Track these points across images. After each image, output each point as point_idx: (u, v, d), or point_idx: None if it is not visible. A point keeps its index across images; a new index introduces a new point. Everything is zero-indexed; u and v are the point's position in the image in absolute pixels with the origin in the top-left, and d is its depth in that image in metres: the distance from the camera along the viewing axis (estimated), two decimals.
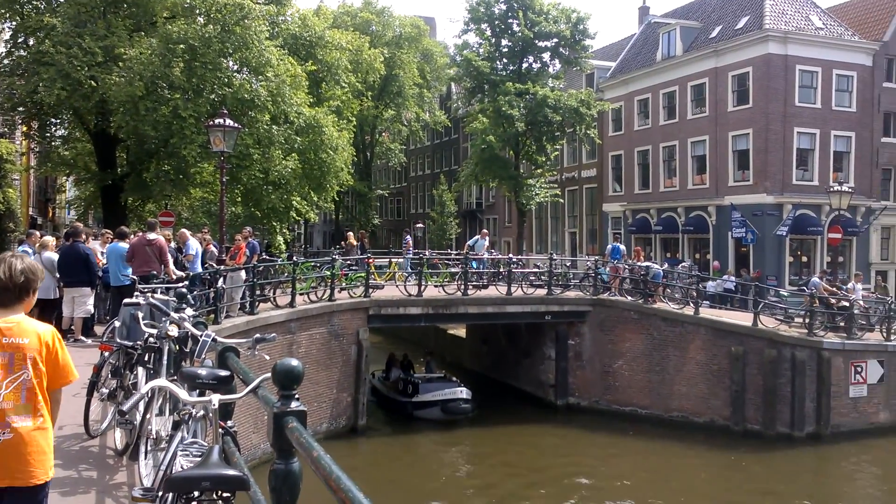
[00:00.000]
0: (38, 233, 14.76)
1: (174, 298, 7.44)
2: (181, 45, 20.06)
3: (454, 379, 21.32)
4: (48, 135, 26.33)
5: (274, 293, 17.37)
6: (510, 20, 32.94)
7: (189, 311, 6.64)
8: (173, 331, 6.00)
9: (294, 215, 26.81)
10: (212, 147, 16.15)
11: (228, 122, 15.64)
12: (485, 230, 28.05)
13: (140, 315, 6.65)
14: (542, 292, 21.68)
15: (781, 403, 18.89)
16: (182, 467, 3.50)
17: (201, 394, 4.07)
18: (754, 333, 19.49)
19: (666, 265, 26.97)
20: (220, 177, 16.93)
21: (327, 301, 18.26)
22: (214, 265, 15.49)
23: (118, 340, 7.17)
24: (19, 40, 23.21)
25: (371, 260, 21.05)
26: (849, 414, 19.42)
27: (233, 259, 16.46)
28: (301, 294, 17.80)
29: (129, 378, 6.87)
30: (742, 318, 20.54)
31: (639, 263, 23.18)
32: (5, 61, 23.41)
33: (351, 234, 26.11)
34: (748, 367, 19.29)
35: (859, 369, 19.57)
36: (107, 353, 7.16)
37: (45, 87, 19.52)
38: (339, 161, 26.53)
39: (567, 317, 21.85)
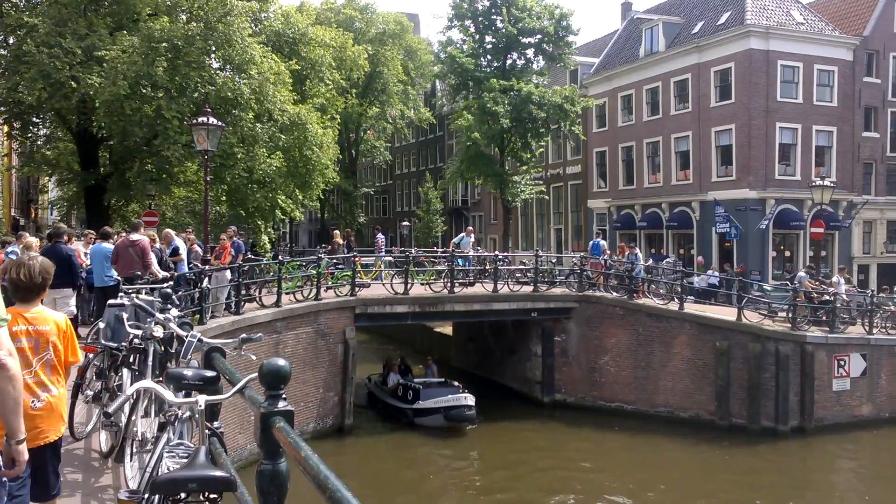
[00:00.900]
0: (26, 234, 14.62)
1: (159, 299, 7.39)
2: (164, 44, 19.89)
3: (456, 384, 20.21)
4: (30, 135, 26.06)
5: (260, 293, 17.31)
6: (494, 17, 32.96)
7: (174, 312, 6.60)
8: (158, 332, 5.96)
9: (279, 214, 26.71)
10: (196, 146, 16.05)
11: (212, 120, 15.55)
12: (470, 227, 28.01)
13: (125, 316, 6.60)
14: (528, 289, 21.73)
15: (766, 398, 19.05)
16: (168, 469, 3.48)
17: (187, 395, 4.05)
18: (739, 328, 19.63)
19: (651, 261, 27.11)
20: (204, 176, 16.83)
21: (313, 300, 18.21)
22: (199, 265, 15.40)
23: (103, 342, 7.11)
24: None
25: (357, 258, 20.97)
26: (832, 407, 19.62)
27: (218, 259, 16.36)
28: (287, 293, 17.74)
29: (114, 380, 6.82)
30: (726, 313, 20.69)
31: (623, 259, 23.28)
32: None
33: (337, 232, 26.02)
34: (733, 362, 19.43)
35: (842, 363, 19.78)
36: (91, 355, 7.10)
37: (26, 87, 19.31)
38: (325, 158, 26.44)
39: (553, 313, 21.91)
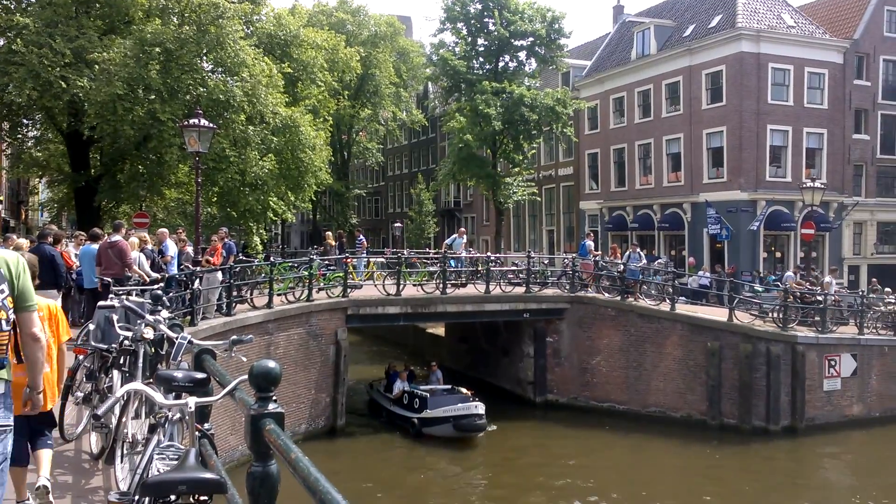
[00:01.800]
0: (14, 236, 14.56)
1: (149, 301, 7.36)
2: (157, 48, 19.83)
3: (464, 391, 19.34)
4: (20, 136, 25.93)
5: (251, 294, 17.26)
6: (486, 19, 33.00)
7: (164, 314, 6.57)
8: (148, 333, 5.94)
9: (271, 216, 26.66)
10: (187, 147, 16.02)
11: (203, 122, 15.52)
12: (462, 228, 28.08)
13: (115, 318, 6.58)
14: (520, 290, 21.75)
15: (757, 397, 19.12)
16: (158, 471, 3.47)
17: (177, 397, 4.04)
18: (730, 329, 19.71)
19: (644, 261, 27.16)
20: (195, 177, 16.78)
21: (305, 301, 18.18)
22: (190, 266, 15.36)
23: (93, 343, 7.08)
24: None
25: (349, 259, 20.95)
26: (823, 407, 19.71)
27: (209, 260, 16.32)
28: (278, 295, 17.71)
29: (104, 381, 6.78)
30: (718, 314, 20.76)
31: (616, 260, 23.33)
32: None
33: (329, 233, 26.02)
34: (724, 362, 19.50)
35: (833, 363, 19.87)
36: (81, 357, 7.07)
37: (16, 87, 19.23)
38: (318, 160, 26.42)
39: (545, 314, 21.94)
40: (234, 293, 16.17)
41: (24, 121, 24.80)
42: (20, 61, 19.11)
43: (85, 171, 23.65)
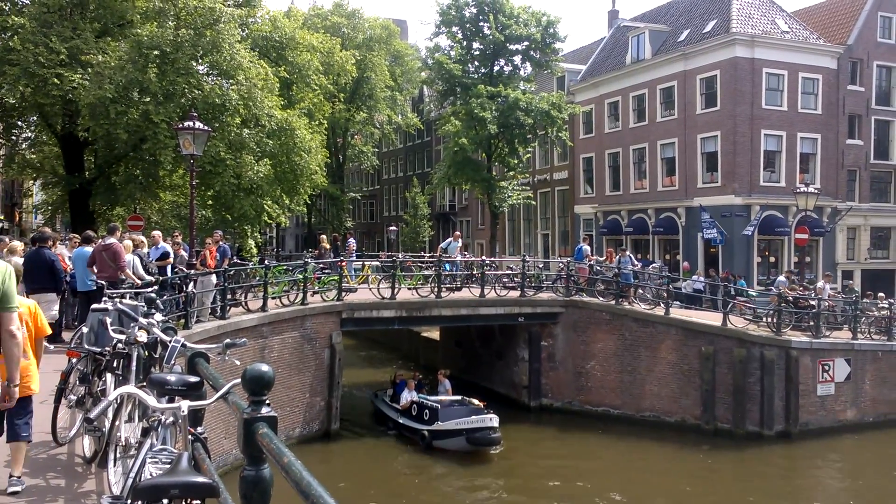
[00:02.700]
0: (6, 238, 14.50)
1: (143, 304, 7.34)
2: (155, 51, 19.81)
3: (477, 402, 18.60)
4: (14, 137, 25.85)
5: (245, 297, 17.24)
6: (481, 23, 33.06)
7: (158, 317, 6.56)
8: (142, 336, 5.92)
9: (266, 219, 26.63)
10: (181, 150, 16.01)
11: (198, 124, 15.50)
12: (457, 232, 28.06)
13: (108, 321, 6.56)
14: (515, 294, 21.77)
15: (751, 402, 19.16)
16: (151, 475, 3.46)
17: (171, 400, 4.03)
18: (724, 333, 19.75)
19: (639, 266, 27.21)
20: (189, 180, 16.76)
21: (300, 305, 18.16)
22: (185, 269, 15.32)
23: (86, 346, 7.05)
24: None
25: (344, 263, 20.93)
26: (817, 412, 19.76)
27: (203, 263, 16.30)
28: (273, 298, 17.68)
29: (97, 385, 6.77)
30: (712, 318, 20.82)
31: (611, 264, 23.37)
32: None
33: (324, 237, 25.98)
34: (718, 367, 19.53)
35: (827, 368, 19.93)
36: (75, 360, 7.05)
37: (9, 86, 19.19)
38: (313, 163, 26.41)
39: (540, 318, 21.96)
40: (229, 296, 16.15)
41: (19, 122, 24.72)
42: (16, 60, 19.07)
43: (79, 173, 23.58)
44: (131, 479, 3.59)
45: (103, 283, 10.69)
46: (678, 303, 22.50)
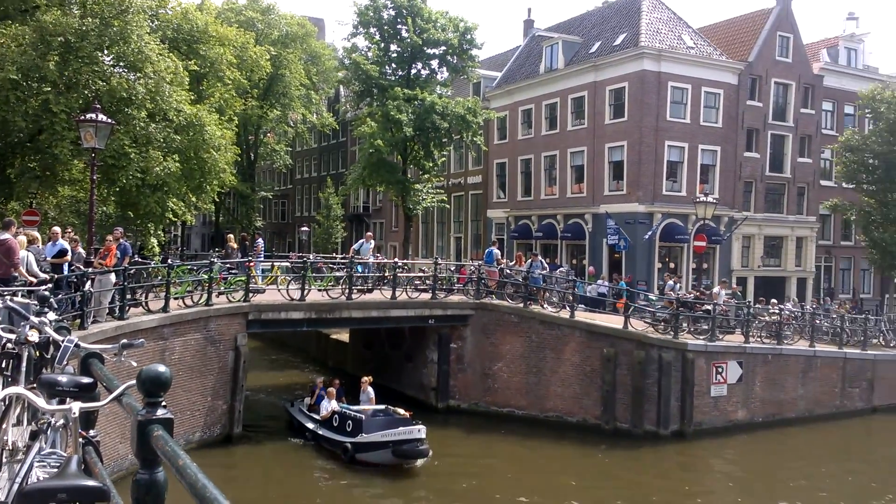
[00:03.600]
0: None
1: (35, 302, 7.03)
2: (58, 38, 18.87)
3: (402, 412, 17.79)
4: None
5: (146, 297, 16.67)
6: (399, 26, 33.10)
7: (51, 316, 6.30)
8: (33, 336, 5.67)
9: (170, 217, 25.78)
10: (82, 143, 15.35)
11: (101, 117, 14.91)
12: (370, 233, 27.99)
13: None
14: (426, 296, 21.91)
15: (649, 402, 19.94)
16: (38, 479, 3.35)
17: (61, 402, 3.90)
18: (625, 336, 20.48)
19: (546, 269, 27.85)
20: (90, 175, 16.08)
21: (204, 306, 17.71)
22: (82, 267, 14.70)
23: None
24: None
25: (252, 263, 20.52)
26: (710, 412, 20.73)
27: (102, 261, 15.66)
28: (176, 298, 17.18)
29: None
30: (614, 321, 21.54)
31: (520, 268, 23.84)
32: None
33: (231, 236, 25.40)
34: (619, 368, 20.24)
35: (720, 370, 20.94)
36: None
37: None
38: (222, 161, 25.72)
39: (450, 320, 22.18)
40: (129, 296, 15.59)
41: None
42: None
43: None
44: (17, 483, 3.46)
45: (4, 279, 10.16)
46: (583, 306, 23.21)
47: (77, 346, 4.88)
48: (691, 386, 20.17)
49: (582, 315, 22.01)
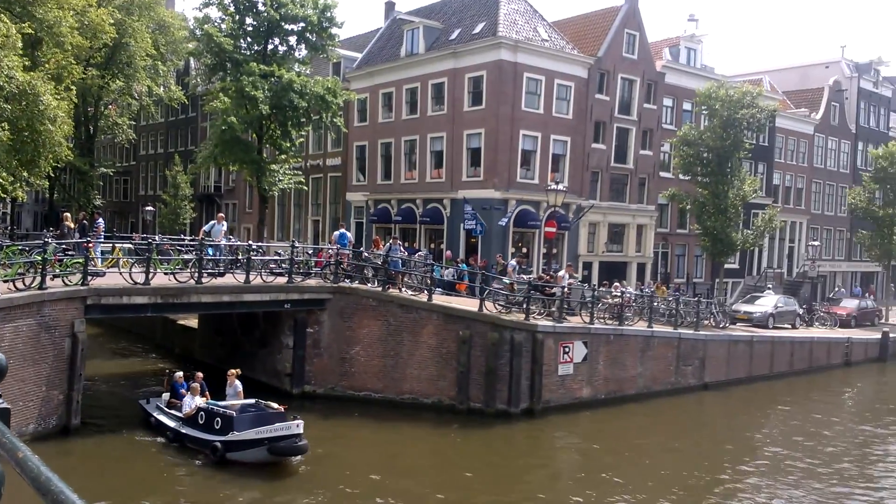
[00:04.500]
0: None
1: None
2: None
3: (276, 406, 16.66)
4: None
5: None
6: None
7: None
8: None
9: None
10: None
11: None
12: (221, 214, 26.84)
13: None
14: (282, 280, 21.40)
15: (501, 382, 20.62)
16: None
17: None
18: (480, 318, 21.02)
19: (404, 253, 28.02)
20: None
21: (37, 290, 16.34)
22: None
23: None
24: None
25: (91, 244, 19.11)
26: (557, 390, 21.73)
27: None
28: (5, 281, 15.76)
29: None
30: (470, 304, 22.05)
31: (379, 252, 23.82)
32: None
33: (68, 215, 23.61)
34: (473, 350, 20.76)
35: (567, 350, 21.97)
36: None
37: None
38: (58, 134, 23.78)
39: (307, 305, 21.82)
40: None
41: None
42: None
43: None
44: None
45: None
46: (440, 289, 23.56)
47: None
48: (540, 365, 21.03)
49: (439, 298, 22.34)
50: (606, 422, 21.78)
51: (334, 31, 33.78)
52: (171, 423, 17.12)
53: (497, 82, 32.44)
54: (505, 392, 20.66)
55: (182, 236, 34.67)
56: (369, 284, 22.40)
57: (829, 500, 15.73)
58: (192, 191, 48.41)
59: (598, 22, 37.92)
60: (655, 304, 27.11)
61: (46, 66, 25.56)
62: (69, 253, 18.89)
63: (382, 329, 21.54)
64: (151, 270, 18.79)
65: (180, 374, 18.91)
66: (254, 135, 32.85)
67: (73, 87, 28.63)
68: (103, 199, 55.82)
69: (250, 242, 25.20)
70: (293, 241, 26.50)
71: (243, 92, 29.74)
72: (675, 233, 40.68)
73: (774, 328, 32.22)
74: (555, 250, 33.71)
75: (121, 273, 18.74)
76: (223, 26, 31.92)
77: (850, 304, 39.96)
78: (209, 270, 20.55)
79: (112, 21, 33.38)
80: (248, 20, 32.27)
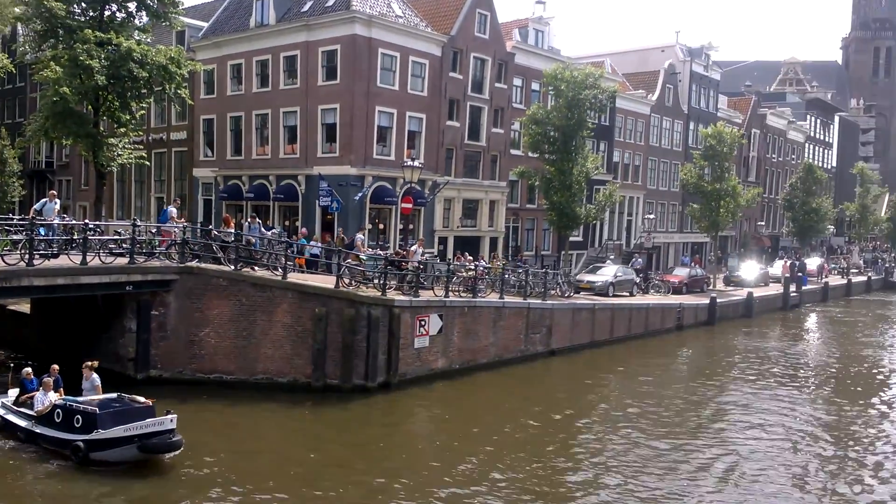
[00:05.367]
0: None
1: None
2: None
3: (143, 400, 15.35)
4: None
5: None
6: None
7: None
8: None
9: None
10: None
11: None
12: (53, 191, 24.95)
13: None
14: (123, 261, 20.28)
15: (358, 358, 20.72)
16: None
17: None
18: (336, 295, 20.97)
19: (263, 231, 27.31)
20: None
21: None
22: None
23: None
24: None
25: None
26: (413, 363, 22.13)
27: None
28: None
29: None
30: (326, 282, 21.92)
31: (229, 230, 23.09)
32: None
33: None
34: (330, 327, 20.70)
35: (423, 323, 22.39)
36: None
37: None
38: None
39: (151, 286, 20.79)
40: None
41: None
42: None
43: None
44: None
45: None
46: (296, 267, 23.24)
47: None
48: (397, 339, 21.31)
49: (295, 276, 22.03)
50: (461, 390, 22.48)
51: None
52: (22, 423, 15.56)
53: (352, 57, 32.11)
54: (362, 367, 20.78)
55: (10, 215, 31.92)
56: (219, 264, 21.68)
57: (664, 450, 17.11)
58: (21, 166, 44.76)
59: (450, 1, 38.31)
60: (507, 276, 28.10)
61: None
62: None
63: (234, 309, 20.97)
64: None
65: (29, 370, 17.10)
66: (90, 107, 30.66)
67: None
68: None
69: (87, 221, 23.65)
70: (134, 220, 25.11)
71: (77, 61, 27.64)
72: (525, 208, 42.21)
73: (614, 296, 34.33)
74: (411, 226, 34.06)
75: None
76: None
77: (681, 273, 43.20)
78: (41, 252, 19.14)
79: None
80: None
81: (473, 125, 38.21)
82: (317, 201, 32.63)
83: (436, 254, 34.74)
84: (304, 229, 31.43)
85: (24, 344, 24.36)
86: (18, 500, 13.28)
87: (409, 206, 27.48)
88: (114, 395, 15.85)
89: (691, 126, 55.09)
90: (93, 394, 16.05)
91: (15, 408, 16.20)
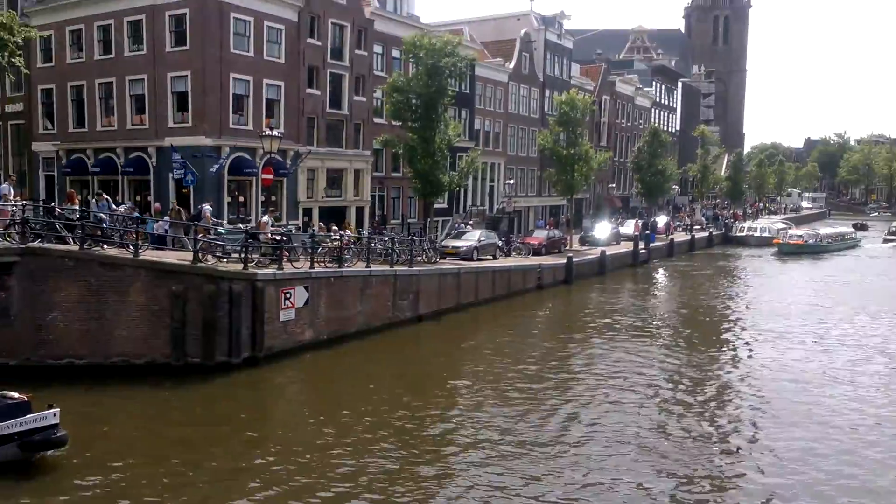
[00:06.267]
0: None
1: None
2: None
3: (17, 395, 13.93)
4: None
5: None
6: None
7: None
8: None
9: None
10: None
11: None
12: None
13: None
14: None
15: (220, 334, 20.23)
16: None
17: None
18: (194, 271, 20.32)
19: (114, 208, 25.91)
20: None
21: None
22: None
23: None
24: None
25: None
26: (280, 336, 21.91)
27: None
28: None
29: None
30: (183, 258, 21.19)
31: (74, 207, 21.77)
32: None
33: None
34: (189, 304, 20.06)
35: (288, 295, 22.16)
36: None
37: None
38: None
39: None
40: None
41: None
42: None
43: None
44: None
45: None
46: (150, 244, 22.27)
47: None
48: (262, 313, 20.99)
49: (149, 254, 21.13)
50: (329, 360, 22.52)
51: None
52: None
53: (202, 22, 30.78)
54: (225, 344, 20.34)
55: None
56: (64, 244, 20.43)
57: (531, 403, 18.02)
58: None
59: None
60: (373, 245, 28.24)
61: None
62: None
63: (83, 290, 19.87)
64: None
65: None
66: None
67: None
68: None
69: None
70: None
71: None
72: (391, 176, 42.32)
73: (478, 260, 35.34)
74: (273, 197, 33.41)
75: None
76: None
77: (540, 235, 45.01)
78: None
79: None
80: None
81: (335, 93, 37.71)
82: (170, 174, 31.25)
83: (299, 225, 34.27)
84: (157, 204, 30.12)
85: None
86: None
87: (270, 177, 26.97)
88: None
89: (547, 93, 56.87)
90: None
91: None
